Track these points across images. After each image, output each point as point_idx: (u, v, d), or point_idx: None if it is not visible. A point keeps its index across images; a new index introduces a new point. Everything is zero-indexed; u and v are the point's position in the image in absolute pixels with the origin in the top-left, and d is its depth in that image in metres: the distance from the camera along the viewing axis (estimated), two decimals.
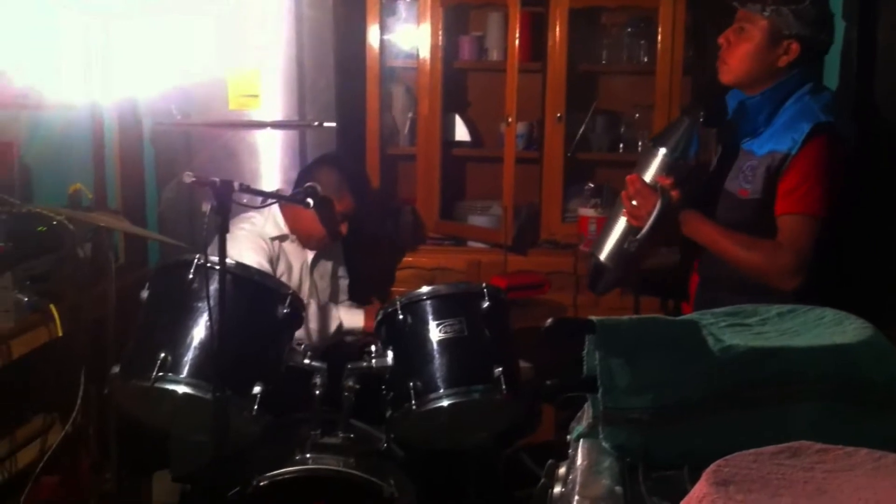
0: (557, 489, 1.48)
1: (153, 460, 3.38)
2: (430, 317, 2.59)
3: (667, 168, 2.40)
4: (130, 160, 3.73)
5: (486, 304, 2.59)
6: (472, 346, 2.58)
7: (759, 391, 1.38)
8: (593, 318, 1.41)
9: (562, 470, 1.52)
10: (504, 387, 2.48)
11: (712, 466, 1.05)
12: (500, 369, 2.50)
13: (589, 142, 4.03)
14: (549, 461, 1.56)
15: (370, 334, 3.21)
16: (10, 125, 3.59)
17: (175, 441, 3.21)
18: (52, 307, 2.67)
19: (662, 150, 2.41)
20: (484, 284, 2.67)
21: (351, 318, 3.23)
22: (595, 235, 3.60)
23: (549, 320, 1.44)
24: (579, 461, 1.44)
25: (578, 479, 1.36)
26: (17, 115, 3.63)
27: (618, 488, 1.31)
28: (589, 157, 4.02)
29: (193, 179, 2.34)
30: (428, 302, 2.61)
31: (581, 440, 1.51)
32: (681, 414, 1.39)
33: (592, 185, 3.91)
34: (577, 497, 1.30)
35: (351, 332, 3.24)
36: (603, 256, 2.51)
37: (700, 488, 1.03)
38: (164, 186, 3.63)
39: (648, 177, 2.41)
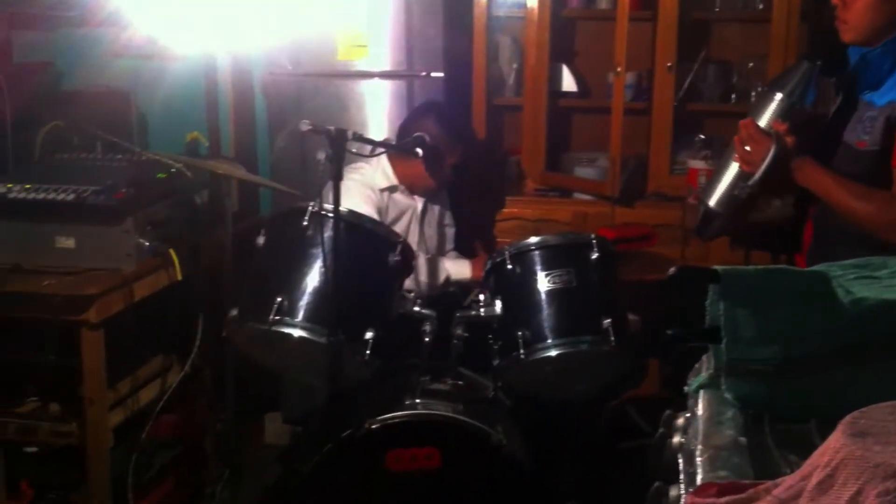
0: (676, 439, 1.46)
1: (265, 402, 3.50)
2: (539, 267, 2.59)
3: (782, 113, 2.33)
4: (243, 110, 3.81)
5: (594, 255, 2.58)
6: (581, 296, 2.58)
7: (891, 345, 1.34)
8: (718, 267, 1.39)
9: (680, 420, 1.51)
10: (612, 338, 2.47)
11: (848, 418, 1.03)
12: (609, 321, 2.49)
13: (699, 92, 3.93)
14: (667, 411, 1.55)
15: (478, 283, 3.24)
16: (128, 74, 3.71)
17: (287, 383, 3.31)
18: (172, 252, 2.76)
19: (779, 95, 2.34)
20: (593, 235, 2.65)
21: (458, 268, 3.27)
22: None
23: (672, 268, 1.42)
24: (700, 412, 1.42)
25: (700, 428, 1.35)
26: (134, 65, 3.75)
27: (742, 439, 1.29)
28: (699, 108, 3.93)
29: (309, 127, 2.38)
30: (537, 252, 2.61)
31: (701, 391, 1.49)
32: (808, 367, 1.36)
33: (703, 137, 3.83)
34: (699, 446, 1.29)
35: (458, 283, 3.27)
36: (712, 202, 2.45)
37: (836, 439, 1.01)
38: (276, 136, 3.69)
39: (763, 122, 2.34)
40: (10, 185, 2.71)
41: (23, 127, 3.04)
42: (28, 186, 2.70)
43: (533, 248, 2.61)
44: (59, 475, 2.76)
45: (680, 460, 1.38)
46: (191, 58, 3.73)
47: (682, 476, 1.33)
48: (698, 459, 1.26)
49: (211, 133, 3.66)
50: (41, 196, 2.66)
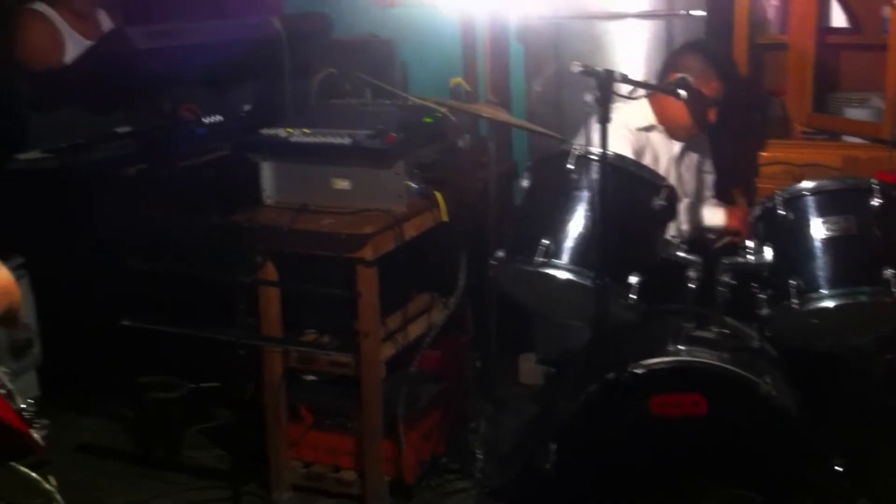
0: None
1: (519, 343, 3.57)
2: (814, 213, 2.48)
3: None
4: (498, 56, 3.84)
5: (875, 202, 2.44)
6: (860, 245, 2.45)
7: None
8: None
9: None
10: (895, 290, 2.34)
11: None
12: (892, 271, 2.36)
13: None
14: None
15: (732, 233, 3.15)
16: (388, 22, 3.83)
17: (545, 325, 3.36)
18: (438, 194, 2.84)
19: None
20: (874, 180, 2.50)
21: (712, 215, 3.19)
22: None
23: None
24: None
25: None
26: (395, 13, 3.87)
27: None
28: None
29: (581, 69, 2.36)
30: (812, 197, 2.50)
31: None
32: None
33: None
34: None
35: (711, 229, 3.19)
36: None
37: None
38: (532, 80, 3.69)
39: None
40: (290, 130, 2.88)
41: (299, 74, 3.21)
42: (307, 131, 2.86)
43: (807, 193, 2.51)
44: (336, 403, 2.93)
45: None
46: (448, 5, 3.79)
47: None
48: None
49: (467, 79, 3.72)
50: (319, 140, 2.82)
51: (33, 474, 1.42)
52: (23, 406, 1.43)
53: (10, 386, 1.41)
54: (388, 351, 2.84)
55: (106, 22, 3.83)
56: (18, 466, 1.40)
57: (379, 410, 2.80)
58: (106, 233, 2.94)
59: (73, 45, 3.61)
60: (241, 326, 2.57)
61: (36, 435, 1.43)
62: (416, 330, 2.98)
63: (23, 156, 3.15)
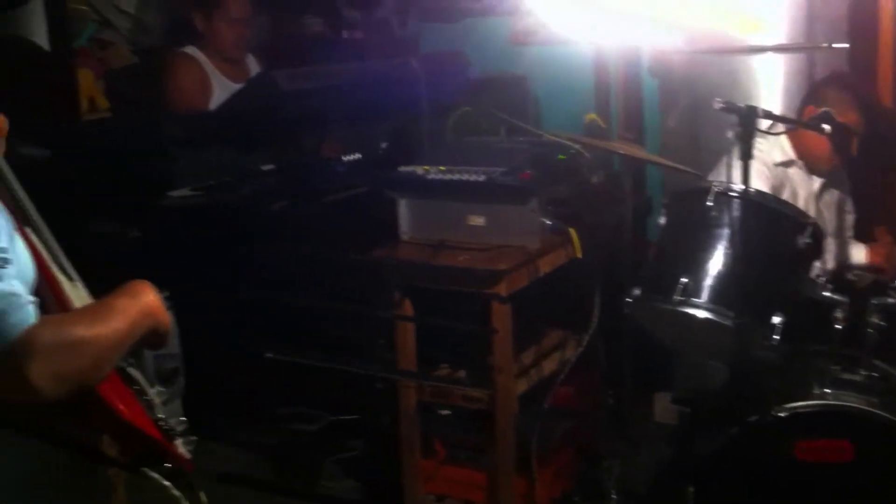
0: None
1: (655, 381, 3.51)
2: None
3: None
4: (631, 91, 3.83)
5: None
6: None
7: None
8: None
9: None
10: None
11: None
12: None
13: None
14: None
15: (876, 269, 3.04)
16: (522, 59, 3.87)
17: (681, 364, 3.31)
18: (572, 231, 2.84)
19: None
20: None
21: (857, 251, 3.09)
22: None
23: None
24: None
25: None
26: (528, 51, 3.90)
27: None
28: None
29: (722, 106, 2.34)
30: None
31: None
32: None
33: None
34: None
35: (854, 266, 3.09)
36: None
37: None
38: (666, 115, 3.66)
39: None
40: (426, 168, 2.92)
41: (435, 112, 3.28)
42: (442, 168, 2.90)
43: None
44: (469, 437, 2.95)
45: None
46: (582, 42, 3.80)
47: None
48: None
49: (601, 114, 3.71)
50: (455, 177, 2.85)
51: (165, 481, 1.46)
52: (160, 416, 1.47)
53: (153, 397, 1.46)
54: (522, 386, 2.84)
55: (253, 65, 3.99)
56: (150, 472, 1.45)
57: (512, 446, 2.79)
58: (251, 267, 3.05)
59: (221, 88, 3.79)
60: (380, 360, 2.62)
61: (181, 449, 1.48)
62: (549, 366, 2.97)
63: (173, 193, 3.31)
